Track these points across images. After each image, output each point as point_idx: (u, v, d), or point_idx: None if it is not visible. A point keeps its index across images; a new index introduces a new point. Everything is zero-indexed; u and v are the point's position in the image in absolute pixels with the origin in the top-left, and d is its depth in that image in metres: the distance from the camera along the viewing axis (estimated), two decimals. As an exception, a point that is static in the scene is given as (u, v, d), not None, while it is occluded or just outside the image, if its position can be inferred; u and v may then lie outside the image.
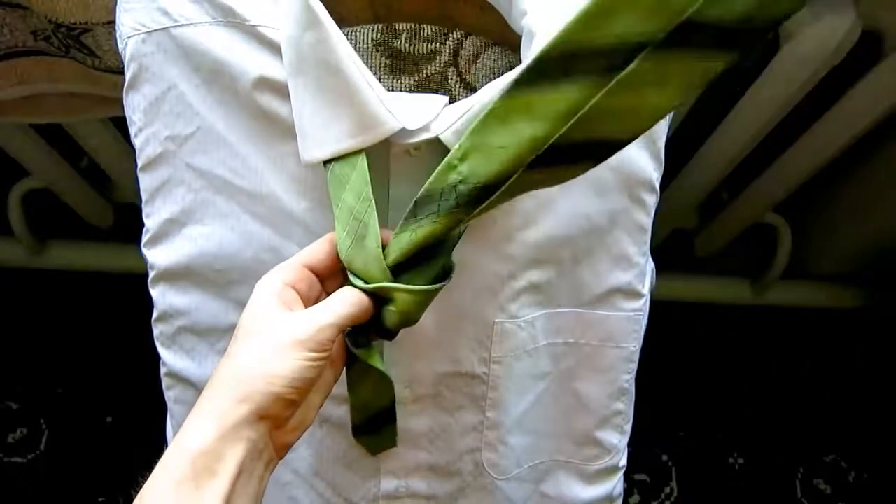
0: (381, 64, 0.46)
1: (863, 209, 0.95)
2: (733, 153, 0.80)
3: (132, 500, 0.30)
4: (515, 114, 0.30)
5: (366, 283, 0.36)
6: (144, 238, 0.44)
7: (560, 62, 0.28)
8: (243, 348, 0.34)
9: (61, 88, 0.62)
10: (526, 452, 0.50)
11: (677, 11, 0.25)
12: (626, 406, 0.50)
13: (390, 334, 0.39)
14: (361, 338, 0.39)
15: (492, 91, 0.35)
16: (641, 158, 0.43)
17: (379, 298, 0.37)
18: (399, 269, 0.36)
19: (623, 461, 0.53)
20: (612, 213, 0.43)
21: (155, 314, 0.46)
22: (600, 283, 0.45)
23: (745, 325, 1.13)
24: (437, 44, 0.45)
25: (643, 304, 0.48)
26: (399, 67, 0.46)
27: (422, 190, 0.34)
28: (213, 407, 0.32)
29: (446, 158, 0.33)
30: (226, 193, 0.42)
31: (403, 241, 0.35)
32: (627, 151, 0.41)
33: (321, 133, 0.37)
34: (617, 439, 0.51)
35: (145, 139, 0.42)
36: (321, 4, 0.35)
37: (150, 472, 0.31)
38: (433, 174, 0.33)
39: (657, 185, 0.44)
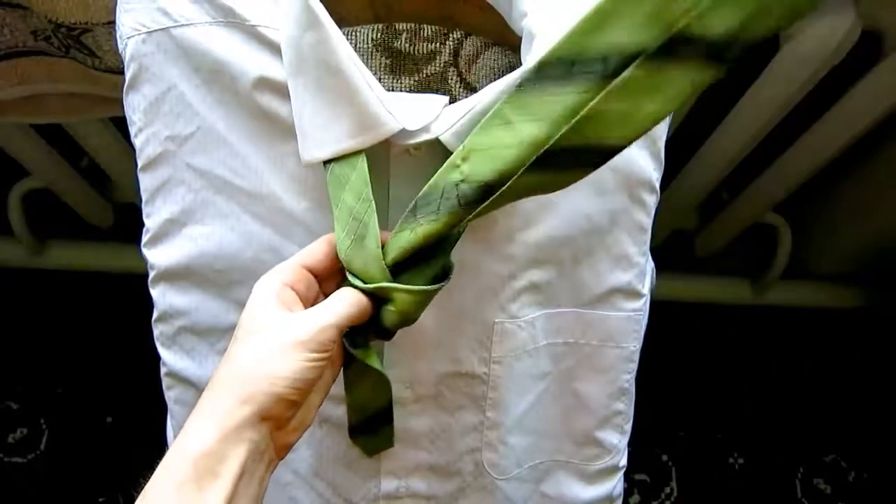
0: (381, 64, 0.46)
1: (863, 209, 0.95)
2: (733, 153, 0.80)
3: (133, 500, 0.30)
4: (518, 115, 0.31)
5: (365, 283, 0.36)
6: (144, 238, 0.44)
7: (561, 66, 0.30)
8: (244, 349, 0.34)
9: (61, 88, 0.62)
10: (526, 452, 0.50)
11: (668, 25, 0.27)
12: (626, 406, 0.50)
13: (388, 334, 0.39)
14: (359, 338, 0.39)
15: (492, 92, 0.35)
16: (641, 158, 0.43)
17: (377, 299, 0.37)
18: (398, 269, 0.36)
19: (623, 461, 0.53)
20: (613, 213, 0.43)
21: (155, 314, 0.46)
22: (600, 283, 0.45)
23: (745, 325, 1.13)
24: (437, 44, 0.45)
25: (643, 303, 0.48)
26: (399, 67, 0.46)
27: (422, 189, 0.34)
28: (215, 408, 0.32)
29: (450, 158, 0.33)
30: (226, 193, 0.42)
31: (403, 240, 0.35)
32: (627, 151, 0.41)
33: (321, 133, 0.37)
34: (617, 439, 0.51)
35: (145, 139, 0.42)
36: (321, 5, 0.35)
37: (151, 472, 0.31)
38: (436, 173, 0.34)
39: (657, 185, 0.44)
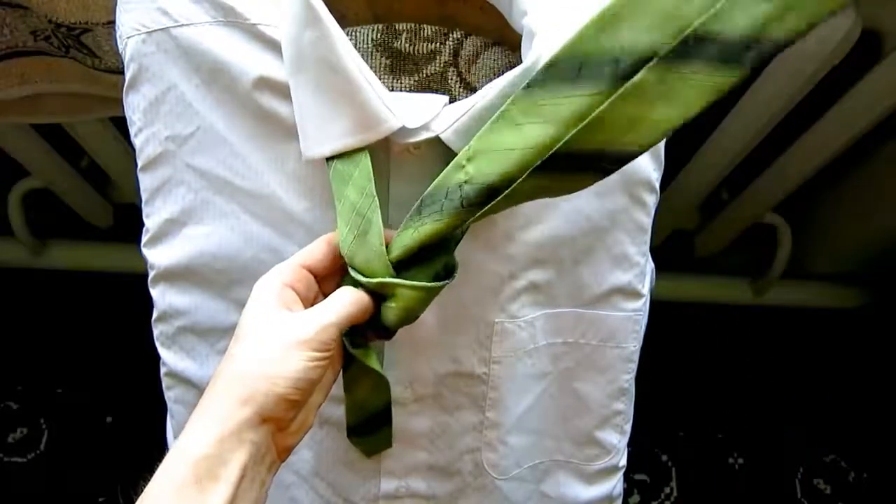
0: (381, 64, 0.46)
1: (863, 209, 0.95)
2: (733, 153, 0.80)
3: (133, 501, 0.30)
4: (525, 116, 0.30)
5: (367, 278, 0.36)
6: (144, 238, 0.44)
7: (570, 67, 0.29)
8: (244, 349, 0.33)
9: (61, 88, 0.62)
10: (526, 452, 0.50)
11: (682, 26, 0.26)
12: (626, 406, 0.50)
13: (389, 333, 0.39)
14: (359, 338, 0.39)
15: (492, 90, 0.35)
16: (641, 158, 0.42)
17: (378, 297, 0.37)
18: (401, 266, 0.36)
19: (623, 461, 0.53)
20: (613, 213, 0.43)
21: (155, 314, 0.46)
22: (600, 282, 0.45)
23: (745, 325, 1.13)
24: (437, 44, 0.45)
25: (643, 304, 0.48)
26: (399, 67, 0.46)
27: (428, 188, 0.34)
28: (215, 409, 0.32)
29: (455, 158, 0.33)
30: (226, 193, 0.42)
31: (406, 238, 0.35)
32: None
33: (322, 130, 0.37)
34: (617, 439, 0.51)
35: (145, 139, 0.42)
36: (321, 2, 0.35)
37: (151, 474, 0.31)
38: (441, 173, 0.34)
39: (657, 185, 0.44)
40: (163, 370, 0.47)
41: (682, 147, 0.79)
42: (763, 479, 1.04)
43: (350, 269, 0.37)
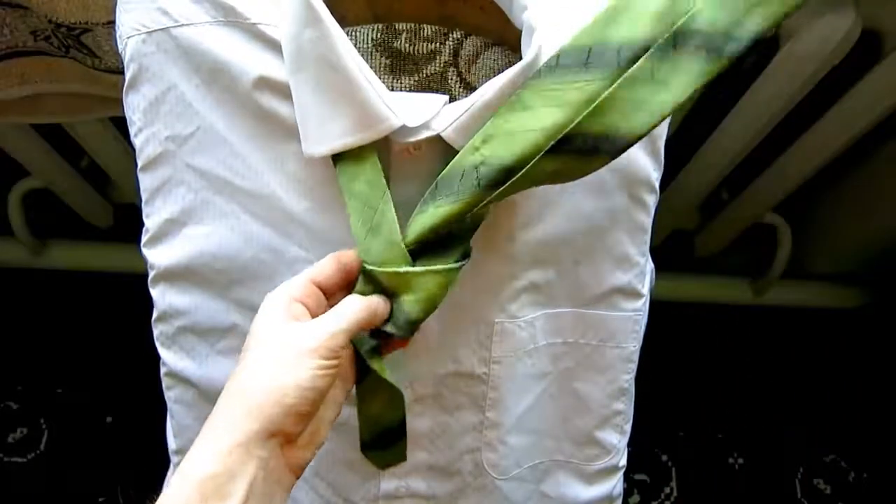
0: (381, 64, 0.46)
1: (863, 209, 0.95)
2: (733, 153, 0.80)
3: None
4: (539, 100, 0.33)
5: (384, 268, 0.36)
6: (144, 238, 0.44)
7: (580, 55, 0.33)
8: (251, 362, 0.33)
9: (61, 88, 0.62)
10: (526, 452, 0.50)
11: (672, 21, 0.32)
12: (626, 406, 0.50)
13: (409, 331, 0.38)
14: (377, 348, 0.38)
15: (492, 88, 0.35)
16: (641, 158, 0.43)
17: (393, 296, 0.37)
18: (417, 255, 0.37)
19: (623, 461, 0.53)
20: (613, 213, 0.43)
21: (155, 314, 0.46)
22: (600, 283, 0.45)
23: (745, 325, 1.13)
24: (437, 44, 0.45)
25: (643, 304, 0.48)
26: (399, 67, 0.46)
27: (442, 172, 0.35)
28: (222, 424, 0.31)
29: (469, 142, 0.35)
30: (226, 193, 0.42)
31: (422, 221, 0.36)
32: (627, 151, 0.41)
33: (322, 129, 0.37)
34: (617, 439, 0.51)
35: (145, 139, 0.42)
36: (321, 1, 0.35)
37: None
38: (455, 157, 0.35)
39: (657, 185, 0.44)
40: (163, 370, 0.47)
41: (682, 147, 0.79)
42: (763, 479, 1.04)
43: (364, 266, 0.37)
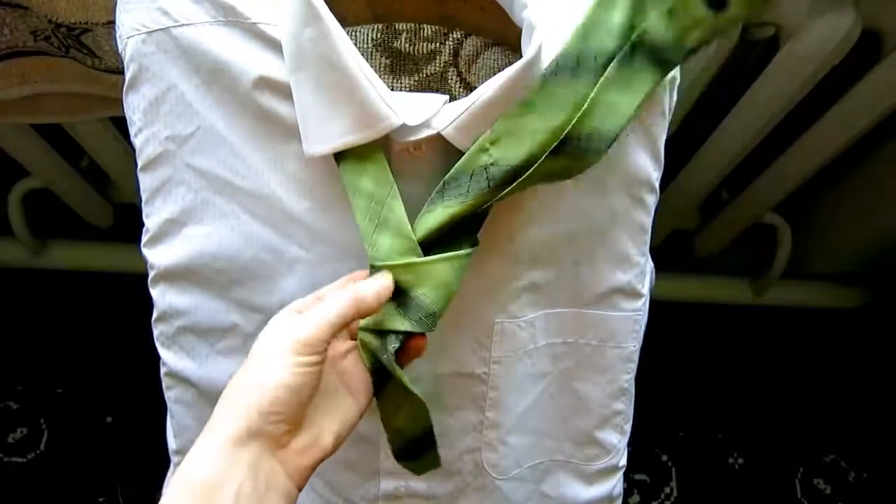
0: (381, 64, 0.46)
1: (863, 209, 0.95)
2: (733, 153, 0.80)
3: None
4: (545, 102, 0.36)
5: (394, 261, 0.36)
6: (144, 238, 0.44)
7: (572, 61, 0.36)
8: (243, 367, 0.34)
9: (61, 88, 0.62)
10: (526, 452, 0.50)
11: (629, 35, 0.36)
12: (626, 406, 0.50)
13: (429, 324, 0.38)
14: (397, 354, 0.38)
15: (492, 86, 0.35)
16: (641, 158, 0.43)
17: (405, 292, 0.37)
18: (426, 249, 0.37)
19: (623, 461, 0.53)
20: (613, 213, 0.43)
21: (155, 314, 0.46)
22: (600, 283, 0.45)
23: (745, 325, 1.13)
24: (437, 44, 0.45)
25: (643, 304, 0.47)
26: (399, 67, 0.46)
27: (450, 172, 0.36)
28: (214, 425, 0.32)
29: (477, 142, 0.36)
30: (226, 193, 0.42)
31: (431, 219, 0.36)
32: (627, 151, 0.41)
33: (323, 128, 0.37)
34: (617, 439, 0.51)
35: (145, 139, 0.42)
36: (322, 1, 0.35)
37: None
38: (463, 157, 0.36)
39: (657, 185, 0.44)
40: (163, 370, 0.47)
41: (682, 147, 0.79)
42: (763, 479, 1.04)
43: (373, 265, 0.37)
